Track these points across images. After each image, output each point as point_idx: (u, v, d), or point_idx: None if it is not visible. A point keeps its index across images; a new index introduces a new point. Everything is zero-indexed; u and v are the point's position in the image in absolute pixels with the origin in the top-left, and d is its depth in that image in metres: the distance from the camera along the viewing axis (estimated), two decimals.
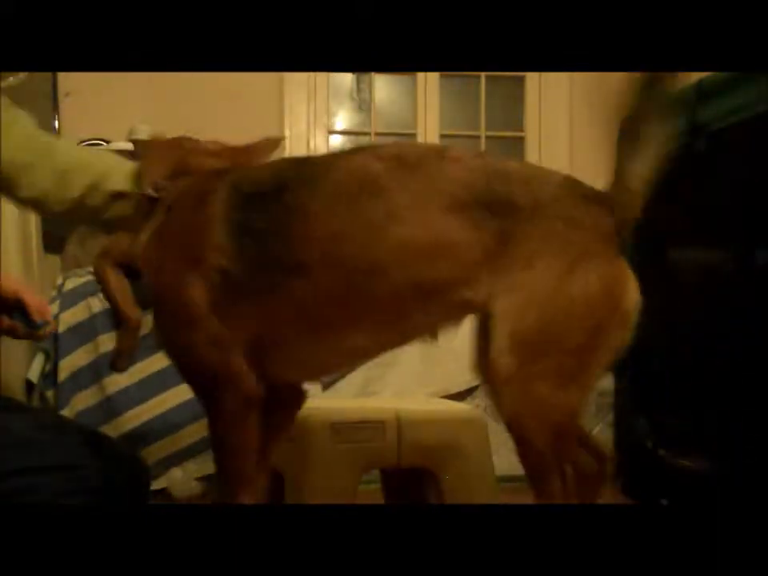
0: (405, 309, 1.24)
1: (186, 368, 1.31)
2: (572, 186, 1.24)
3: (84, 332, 2.28)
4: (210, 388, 1.28)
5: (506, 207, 1.20)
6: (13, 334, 1.51)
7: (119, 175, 1.29)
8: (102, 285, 2.21)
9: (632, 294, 1.21)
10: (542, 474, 1.22)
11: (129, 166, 1.34)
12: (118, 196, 1.27)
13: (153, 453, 2.27)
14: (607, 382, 2.44)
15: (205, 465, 2.31)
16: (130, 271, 2.21)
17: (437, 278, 1.22)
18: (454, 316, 1.30)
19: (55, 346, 2.25)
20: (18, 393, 2.20)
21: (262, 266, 1.23)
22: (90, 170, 1.27)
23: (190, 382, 1.33)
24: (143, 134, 3.13)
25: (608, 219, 1.21)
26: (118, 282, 2.17)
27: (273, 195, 1.25)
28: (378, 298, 1.22)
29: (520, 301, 1.20)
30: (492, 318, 1.21)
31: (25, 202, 1.25)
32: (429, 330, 1.33)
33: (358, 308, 1.24)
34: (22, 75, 2.93)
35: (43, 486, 1.20)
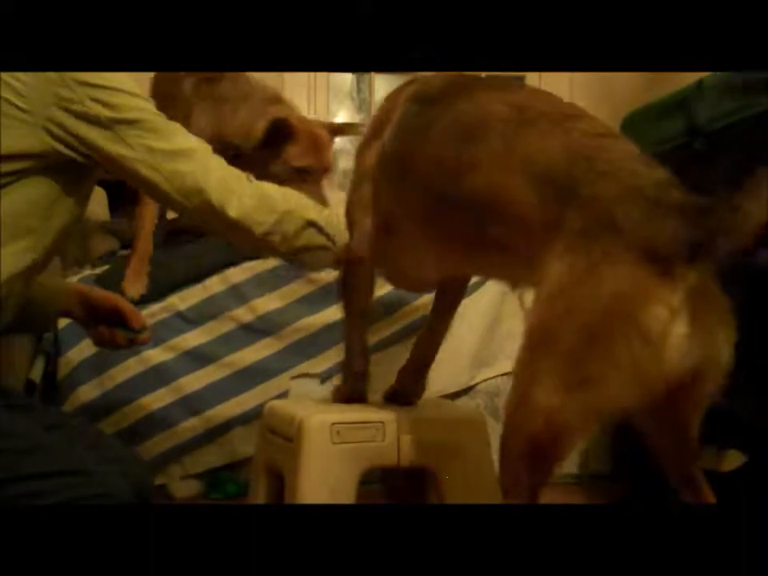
0: (470, 245, 1.33)
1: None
2: (647, 188, 1.12)
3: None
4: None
5: (570, 193, 1.16)
6: (113, 343, 1.60)
7: (314, 209, 1.45)
8: (137, 220, 2.26)
9: (657, 309, 1.05)
10: (508, 479, 1.14)
11: (319, 205, 1.52)
12: (312, 224, 1.42)
13: (150, 448, 2.26)
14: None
15: (202, 460, 2.31)
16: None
17: (497, 229, 1.26)
18: (516, 272, 1.33)
19: (56, 344, 2.25)
20: (19, 393, 2.20)
21: (396, 160, 1.46)
22: (287, 197, 1.42)
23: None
24: None
25: (668, 233, 1.07)
26: (151, 219, 2.23)
27: (431, 103, 1.44)
28: (449, 226, 1.35)
29: (544, 294, 1.15)
30: (531, 305, 1.19)
31: (232, 222, 1.36)
32: (492, 274, 1.53)
33: (435, 226, 1.39)
34: None
35: (50, 491, 1.20)
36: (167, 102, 2.19)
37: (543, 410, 1.08)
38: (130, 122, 1.27)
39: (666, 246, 1.06)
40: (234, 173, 1.39)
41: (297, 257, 1.53)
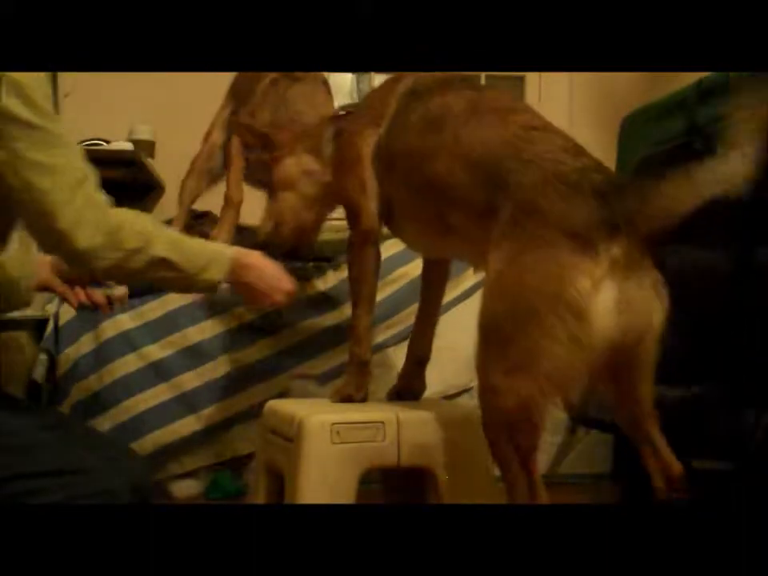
0: (434, 228, 1.49)
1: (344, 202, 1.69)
2: (569, 174, 1.23)
3: (86, 321, 2.28)
4: (350, 219, 1.67)
5: (501, 181, 1.29)
6: (93, 302, 1.63)
7: (167, 244, 1.38)
8: (225, 159, 2.28)
9: (579, 285, 1.16)
10: (500, 463, 1.25)
11: (172, 234, 1.45)
12: (162, 261, 1.37)
13: (149, 444, 2.26)
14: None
15: (200, 458, 2.30)
16: None
17: (450, 213, 1.43)
18: (474, 257, 1.49)
19: (56, 343, 2.25)
20: (20, 394, 2.20)
21: (391, 145, 1.57)
22: (143, 233, 1.35)
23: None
24: (143, 134, 3.13)
25: (585, 215, 1.18)
26: (239, 163, 2.22)
27: (419, 96, 1.56)
28: (417, 209, 1.53)
29: (487, 281, 1.29)
30: None
31: (76, 254, 1.29)
32: (456, 256, 1.67)
33: (408, 209, 1.57)
34: None
35: (48, 490, 1.20)
36: (244, 98, 2.22)
37: (508, 392, 1.20)
38: (19, 122, 1.20)
39: (585, 224, 1.17)
40: (97, 203, 1.30)
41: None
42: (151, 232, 1.36)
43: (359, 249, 1.67)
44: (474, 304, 2.41)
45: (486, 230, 1.30)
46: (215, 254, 1.46)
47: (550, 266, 1.18)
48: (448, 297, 2.40)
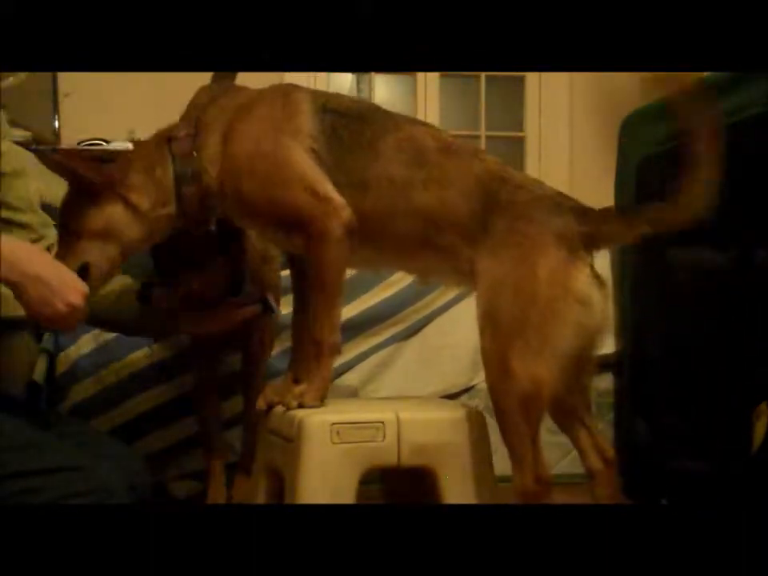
0: (414, 249, 1.55)
1: (285, 217, 1.52)
2: (551, 197, 1.49)
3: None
4: (309, 223, 1.50)
5: (493, 202, 1.49)
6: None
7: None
8: None
9: (581, 277, 1.42)
10: (513, 439, 1.41)
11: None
12: None
13: (148, 445, 2.25)
14: (607, 382, 2.44)
15: (199, 459, 2.30)
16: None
17: (439, 235, 1.51)
18: (449, 274, 1.59)
19: (56, 343, 2.25)
20: (20, 394, 2.20)
21: (339, 165, 1.51)
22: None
23: (286, 226, 1.54)
24: (143, 134, 3.13)
25: (570, 226, 1.44)
26: None
27: (354, 120, 1.53)
28: (398, 233, 1.53)
29: (487, 284, 1.46)
30: (475, 297, 1.49)
31: None
32: (429, 274, 1.65)
33: (385, 232, 1.54)
34: (22, 75, 2.93)
35: (45, 488, 1.20)
36: None
37: (524, 374, 1.38)
38: None
39: (572, 233, 1.43)
40: None
41: None
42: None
43: (333, 244, 1.50)
44: (471, 303, 2.42)
45: (473, 246, 1.49)
46: None
47: (556, 263, 1.42)
48: (446, 296, 2.40)
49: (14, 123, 2.90)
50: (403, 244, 1.56)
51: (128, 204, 1.53)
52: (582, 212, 1.47)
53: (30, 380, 2.23)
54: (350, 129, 1.53)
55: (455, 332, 2.37)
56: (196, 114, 1.57)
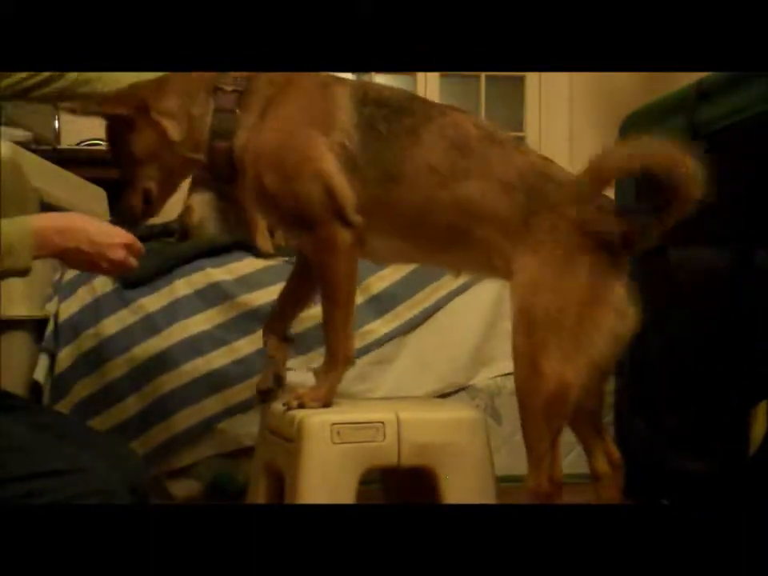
0: (449, 241, 1.53)
1: (297, 211, 1.53)
2: (594, 197, 1.45)
3: (85, 318, 2.26)
4: (319, 225, 1.52)
5: (535, 197, 1.46)
6: None
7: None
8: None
9: (620, 286, 1.42)
10: (534, 438, 1.41)
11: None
12: None
13: (149, 440, 2.25)
14: (607, 382, 2.44)
15: (200, 450, 2.29)
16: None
17: (478, 228, 1.49)
18: (483, 268, 1.57)
19: (56, 341, 2.24)
20: (21, 394, 2.20)
21: (375, 159, 1.50)
22: None
23: (297, 222, 1.56)
24: None
25: (612, 229, 1.42)
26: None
27: (394, 111, 1.52)
28: (435, 225, 1.51)
29: (525, 281, 1.44)
30: (510, 292, 1.47)
31: None
32: (461, 267, 1.64)
33: (422, 224, 1.52)
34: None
35: (45, 490, 1.19)
36: None
37: (553, 376, 1.38)
38: None
39: (612, 239, 1.42)
40: None
41: None
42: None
43: (343, 253, 1.52)
44: (471, 301, 2.42)
45: (512, 241, 1.47)
46: (18, 233, 1.27)
47: (598, 268, 1.41)
48: (444, 290, 2.37)
49: (14, 123, 2.91)
50: (439, 237, 1.53)
51: (159, 129, 1.55)
52: (623, 213, 1.45)
53: (30, 379, 2.23)
54: (388, 119, 1.52)
55: (452, 330, 2.35)
56: (248, 74, 1.57)
